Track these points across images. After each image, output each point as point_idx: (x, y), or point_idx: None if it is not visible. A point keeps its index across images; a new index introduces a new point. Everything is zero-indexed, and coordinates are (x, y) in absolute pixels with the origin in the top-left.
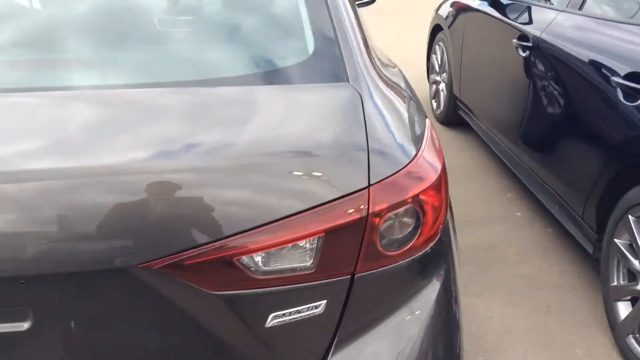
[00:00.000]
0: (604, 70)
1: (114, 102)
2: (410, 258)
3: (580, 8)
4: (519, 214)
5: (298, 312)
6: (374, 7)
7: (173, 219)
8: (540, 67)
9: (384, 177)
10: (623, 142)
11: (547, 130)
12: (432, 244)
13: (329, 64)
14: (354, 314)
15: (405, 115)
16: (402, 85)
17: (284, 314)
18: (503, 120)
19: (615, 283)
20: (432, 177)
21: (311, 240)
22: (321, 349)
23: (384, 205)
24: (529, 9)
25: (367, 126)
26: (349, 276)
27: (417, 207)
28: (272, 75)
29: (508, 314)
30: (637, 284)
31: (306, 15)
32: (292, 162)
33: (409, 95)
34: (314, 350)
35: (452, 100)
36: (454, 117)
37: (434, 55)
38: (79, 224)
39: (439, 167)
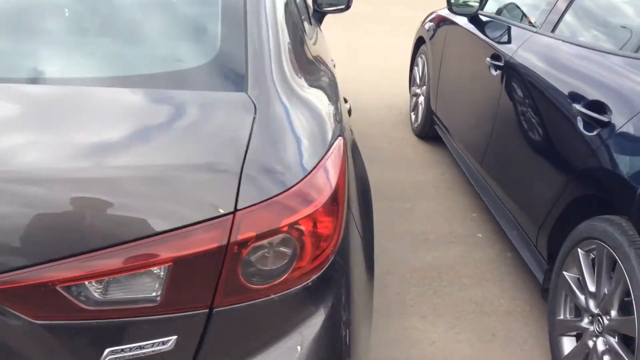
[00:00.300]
0: (566, 97)
1: None
2: (285, 292)
3: (553, 30)
4: (480, 235)
5: (140, 347)
6: (374, 15)
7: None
8: (509, 88)
9: (255, 202)
10: (579, 172)
11: (509, 152)
12: (318, 274)
13: (230, 70)
14: (213, 352)
15: (308, 131)
16: (326, 96)
17: (122, 350)
18: (471, 138)
19: (561, 317)
20: (318, 202)
21: (157, 269)
22: None
23: (251, 234)
24: (506, 28)
25: (250, 143)
26: (206, 310)
27: (295, 236)
28: (162, 79)
29: (451, 339)
30: (582, 320)
31: (218, 17)
32: (146, 180)
33: (328, 108)
34: None
35: (429, 114)
36: (430, 131)
37: (416, 68)
38: None
39: (329, 191)
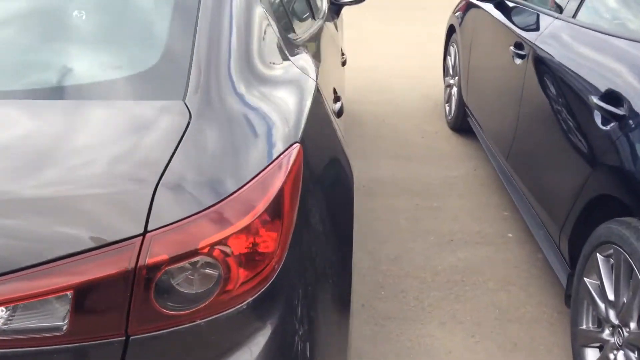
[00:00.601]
0: (584, 89)
1: None
2: (214, 317)
3: (574, 16)
4: (510, 235)
5: None
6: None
7: None
8: (532, 79)
9: (169, 223)
10: (597, 169)
11: (533, 147)
12: (254, 296)
13: (170, 76)
14: None
15: (250, 141)
16: (291, 100)
17: None
18: (498, 132)
19: (583, 326)
20: (248, 220)
21: (62, 296)
22: None
23: (163, 257)
24: (531, 14)
25: (174, 157)
26: (122, 338)
27: (219, 257)
28: (94, 89)
29: (469, 349)
30: (603, 331)
31: (168, 18)
32: (50, 202)
33: (286, 114)
34: None
35: (462, 105)
36: (463, 124)
37: (448, 57)
38: None
39: (263, 207)
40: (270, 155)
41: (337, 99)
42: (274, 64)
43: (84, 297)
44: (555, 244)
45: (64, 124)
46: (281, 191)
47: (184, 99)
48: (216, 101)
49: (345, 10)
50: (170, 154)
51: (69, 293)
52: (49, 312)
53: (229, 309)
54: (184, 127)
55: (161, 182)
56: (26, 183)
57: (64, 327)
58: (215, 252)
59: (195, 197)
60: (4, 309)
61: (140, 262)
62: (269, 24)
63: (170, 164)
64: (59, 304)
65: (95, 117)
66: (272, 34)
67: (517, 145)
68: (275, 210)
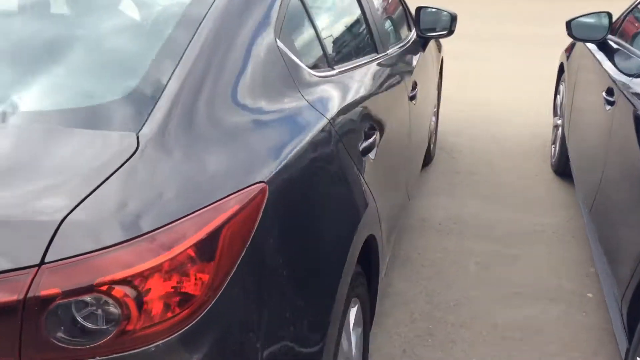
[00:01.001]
0: None
1: None
2: (115, 355)
3: None
4: (590, 295)
5: None
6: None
7: None
8: (619, 129)
9: (67, 256)
10: None
11: (613, 201)
12: (164, 339)
13: (135, 108)
14: None
15: (198, 179)
16: (270, 140)
17: None
18: (586, 181)
19: None
20: (156, 261)
21: None
22: None
23: (55, 291)
24: (627, 57)
25: (97, 189)
26: None
27: (119, 296)
28: (58, 115)
29: None
30: None
31: (154, 53)
32: None
33: (259, 152)
34: None
35: (564, 147)
36: (566, 168)
37: (557, 96)
38: None
39: (179, 248)
40: (215, 194)
41: (368, 135)
42: (270, 99)
43: None
44: (619, 310)
45: (5, 147)
46: (217, 232)
47: (137, 131)
48: (175, 135)
49: (451, 42)
50: (97, 185)
51: None
52: None
53: (132, 350)
54: (125, 158)
55: (73, 212)
56: None
57: None
58: (115, 291)
59: (106, 232)
60: None
61: (31, 294)
62: (279, 58)
63: (92, 194)
64: None
65: (41, 143)
66: (281, 69)
67: (600, 198)
68: (206, 251)
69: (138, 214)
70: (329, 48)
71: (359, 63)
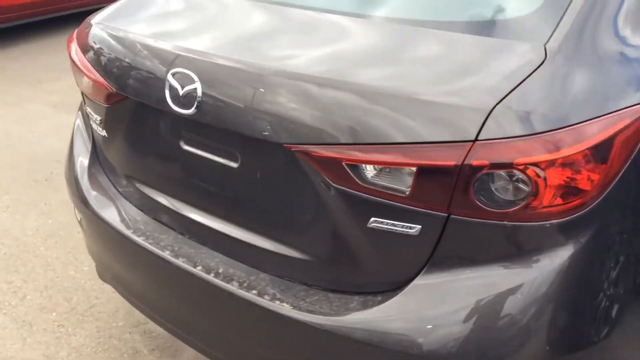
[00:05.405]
0: None
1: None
2: (518, 223)
3: None
4: None
5: (394, 225)
6: None
7: (313, 118)
8: None
9: (495, 137)
10: None
11: None
12: (559, 220)
13: (540, 22)
14: (449, 249)
15: (597, 92)
16: None
17: (382, 222)
18: None
19: None
20: (563, 153)
21: (407, 169)
22: (413, 267)
23: (484, 162)
24: None
25: (517, 88)
26: (445, 214)
27: (531, 176)
28: (475, 26)
29: None
30: None
31: None
32: (410, 101)
33: None
34: (406, 265)
35: None
36: None
37: None
38: (265, 109)
39: (582, 147)
40: (612, 104)
41: None
42: None
43: (423, 174)
44: None
45: (436, 48)
46: (612, 139)
47: (544, 43)
48: (579, 48)
49: None
50: (514, 85)
51: (414, 168)
52: (399, 178)
53: (532, 222)
54: (535, 66)
55: (500, 103)
56: (399, 84)
57: (407, 192)
58: (529, 171)
59: (526, 123)
60: (374, 167)
61: (467, 161)
62: None
63: (513, 91)
64: (406, 174)
65: (463, 46)
66: None
67: None
68: (601, 155)
69: (551, 111)
70: None
71: None
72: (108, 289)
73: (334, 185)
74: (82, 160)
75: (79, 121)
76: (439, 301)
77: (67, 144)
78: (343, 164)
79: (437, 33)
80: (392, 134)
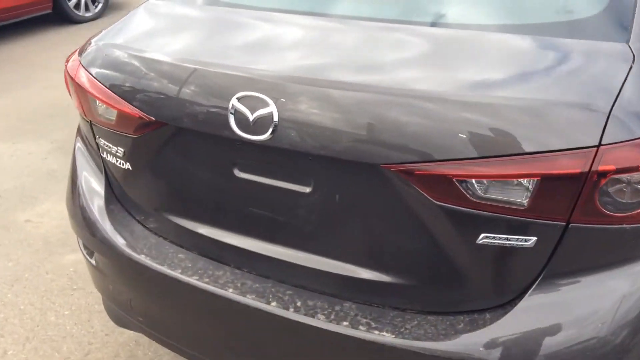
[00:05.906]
0: None
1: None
2: (637, 225)
3: None
4: None
5: (507, 239)
6: None
7: (418, 135)
8: None
9: (619, 141)
10: None
11: None
12: None
13: (615, 21)
14: (565, 258)
15: None
16: None
17: (494, 237)
18: None
19: None
20: None
21: (526, 181)
22: (524, 281)
23: (611, 167)
24: None
25: (622, 89)
26: (564, 223)
27: None
28: (551, 28)
29: None
30: None
31: None
32: (523, 110)
33: None
34: (516, 280)
35: None
36: None
37: None
38: (356, 127)
39: None
40: None
41: None
42: None
43: (545, 184)
44: None
45: (532, 54)
46: None
47: (627, 42)
48: None
49: None
50: (619, 87)
51: (535, 180)
52: (515, 190)
53: None
54: (629, 66)
55: (615, 105)
56: (510, 95)
57: (525, 203)
58: None
59: None
60: (484, 182)
61: (594, 168)
62: None
63: (620, 95)
64: (523, 185)
65: (556, 50)
66: None
67: None
68: None
69: None
70: None
71: None
72: (99, 332)
73: (437, 203)
74: (95, 197)
75: (81, 150)
76: (561, 313)
77: (5, 188)
78: (454, 180)
79: (514, 37)
80: (511, 145)
